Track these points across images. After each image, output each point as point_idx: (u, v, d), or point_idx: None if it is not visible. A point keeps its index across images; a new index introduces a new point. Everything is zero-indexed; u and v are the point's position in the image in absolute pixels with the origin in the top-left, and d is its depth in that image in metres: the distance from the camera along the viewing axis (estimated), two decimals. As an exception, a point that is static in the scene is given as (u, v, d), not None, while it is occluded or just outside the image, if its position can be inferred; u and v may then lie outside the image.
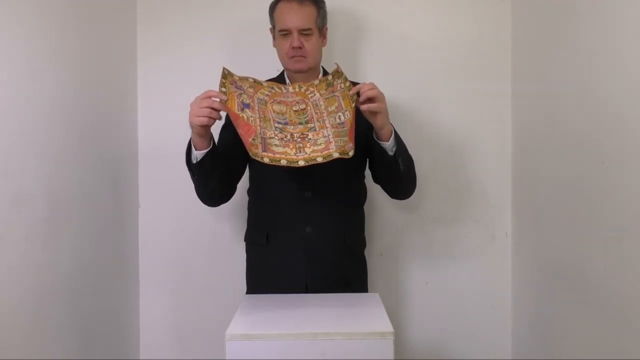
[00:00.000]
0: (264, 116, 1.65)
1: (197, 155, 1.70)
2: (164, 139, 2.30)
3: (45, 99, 1.70)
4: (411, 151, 2.28)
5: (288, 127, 1.64)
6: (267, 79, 2.01)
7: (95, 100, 2.02)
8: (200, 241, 2.36)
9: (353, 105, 1.64)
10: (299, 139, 1.61)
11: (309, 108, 1.67)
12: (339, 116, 1.64)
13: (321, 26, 1.89)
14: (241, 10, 2.32)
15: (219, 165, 1.74)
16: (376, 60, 2.32)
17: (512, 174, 2.33)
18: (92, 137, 1.99)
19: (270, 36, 1.95)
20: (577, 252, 1.79)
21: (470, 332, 2.35)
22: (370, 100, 1.63)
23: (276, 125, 1.65)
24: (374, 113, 1.64)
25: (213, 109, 1.59)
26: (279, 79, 1.96)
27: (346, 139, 1.57)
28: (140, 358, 2.38)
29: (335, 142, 1.59)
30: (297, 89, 1.72)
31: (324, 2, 1.92)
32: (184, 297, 2.37)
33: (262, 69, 2.07)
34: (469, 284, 2.35)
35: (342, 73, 1.65)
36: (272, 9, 1.90)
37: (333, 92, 1.67)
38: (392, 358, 1.38)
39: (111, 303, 2.14)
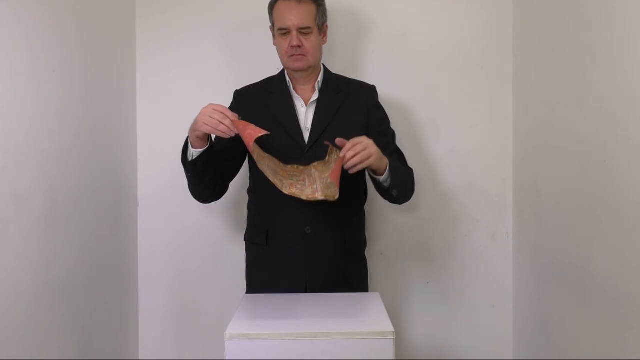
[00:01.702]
0: (259, 161, 1.72)
1: (194, 153, 1.73)
2: (163, 137, 2.30)
3: (44, 97, 1.69)
4: (411, 151, 2.28)
5: (279, 175, 1.72)
6: (267, 77, 2.01)
7: (94, 98, 2.01)
8: (200, 240, 2.35)
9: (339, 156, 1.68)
10: (287, 185, 1.70)
11: (303, 176, 1.75)
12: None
13: (321, 24, 1.88)
14: (241, 8, 2.31)
15: (213, 165, 1.77)
16: (377, 59, 2.31)
17: (513, 173, 2.32)
18: (90, 135, 1.98)
19: (271, 34, 1.94)
20: (578, 251, 1.78)
21: (472, 332, 2.34)
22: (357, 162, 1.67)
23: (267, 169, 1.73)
24: None
25: (222, 123, 1.63)
26: (280, 77, 1.95)
27: (334, 188, 1.66)
28: (139, 358, 2.37)
29: (322, 191, 1.68)
30: (296, 167, 1.77)
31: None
32: (183, 296, 2.36)
33: (262, 67, 2.08)
34: (470, 283, 2.34)
35: (334, 149, 1.71)
36: (271, 7, 1.89)
37: (329, 164, 1.74)
38: (393, 358, 1.37)
39: (110, 302, 2.13)
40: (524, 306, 2.25)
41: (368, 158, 1.66)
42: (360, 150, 1.64)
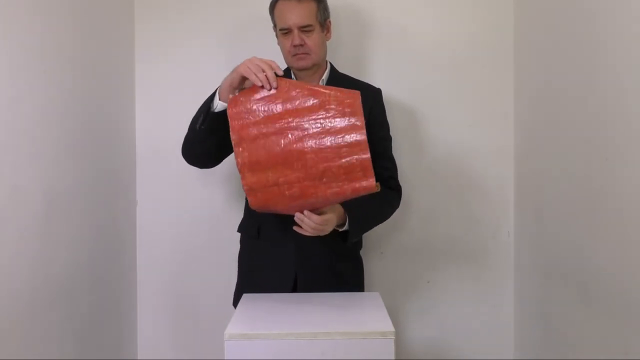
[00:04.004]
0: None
1: (220, 106, 1.66)
2: (162, 136, 2.29)
3: (43, 95, 1.68)
4: (412, 149, 2.28)
5: None
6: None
7: (93, 96, 2.01)
8: (198, 239, 2.34)
9: None
10: None
11: None
12: None
13: (323, 20, 1.86)
14: (240, 7, 2.30)
15: (228, 124, 1.65)
16: (377, 58, 2.30)
17: (514, 172, 2.31)
18: (89, 134, 1.97)
19: (273, 33, 1.93)
20: (580, 250, 1.77)
21: (473, 332, 2.33)
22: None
23: None
24: None
25: (264, 71, 1.55)
26: (285, 74, 1.92)
27: None
28: (138, 358, 2.36)
29: None
30: None
31: None
32: (182, 296, 2.35)
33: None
34: (471, 283, 2.33)
35: None
36: (272, 7, 1.88)
37: None
38: (393, 358, 1.36)
39: (108, 301, 2.12)
40: (525, 306, 2.24)
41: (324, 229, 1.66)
42: (314, 233, 1.64)
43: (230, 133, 1.55)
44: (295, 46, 1.81)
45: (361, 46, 2.30)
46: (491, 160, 2.32)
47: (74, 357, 1.85)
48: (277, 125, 1.54)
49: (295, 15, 1.80)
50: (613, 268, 1.58)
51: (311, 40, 1.82)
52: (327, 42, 1.92)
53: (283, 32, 1.83)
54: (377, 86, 1.97)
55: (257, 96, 1.57)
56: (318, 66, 1.89)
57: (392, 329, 1.38)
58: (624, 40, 1.51)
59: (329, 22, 1.91)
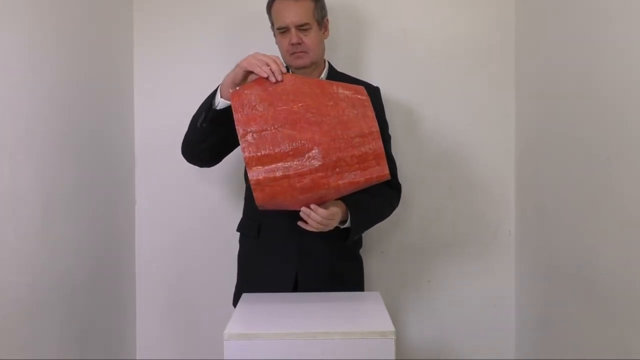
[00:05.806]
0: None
1: (221, 103, 1.65)
2: (161, 135, 2.28)
3: (41, 94, 1.68)
4: (412, 148, 2.27)
5: None
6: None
7: (92, 96, 2.00)
8: (197, 238, 2.33)
9: None
10: None
11: None
12: None
13: (320, 18, 1.86)
14: (240, 5, 2.30)
15: (229, 123, 1.65)
16: (377, 56, 2.29)
17: (515, 172, 2.30)
18: (88, 134, 1.97)
19: (271, 32, 1.92)
20: (581, 250, 1.76)
21: (473, 332, 2.32)
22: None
23: None
24: None
25: (269, 65, 1.56)
26: None
27: None
28: (137, 358, 2.35)
29: None
30: None
31: None
32: (182, 295, 2.34)
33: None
34: (472, 282, 2.32)
35: None
36: (269, 7, 1.88)
37: None
38: (394, 358, 1.36)
39: (107, 301, 2.12)
40: (526, 306, 2.24)
41: (327, 225, 1.64)
42: (320, 228, 1.62)
43: (236, 125, 1.52)
44: (293, 45, 1.81)
45: (359, 44, 2.30)
46: (492, 159, 2.31)
47: (73, 357, 1.84)
48: (285, 117, 1.53)
49: (293, 14, 1.80)
50: (614, 268, 1.57)
51: (309, 38, 1.82)
52: (325, 41, 1.91)
53: (280, 31, 1.83)
54: (375, 85, 1.96)
55: (262, 88, 1.56)
56: (316, 65, 1.88)
57: (392, 328, 1.37)
58: (625, 40, 1.51)
59: (327, 20, 1.90)
